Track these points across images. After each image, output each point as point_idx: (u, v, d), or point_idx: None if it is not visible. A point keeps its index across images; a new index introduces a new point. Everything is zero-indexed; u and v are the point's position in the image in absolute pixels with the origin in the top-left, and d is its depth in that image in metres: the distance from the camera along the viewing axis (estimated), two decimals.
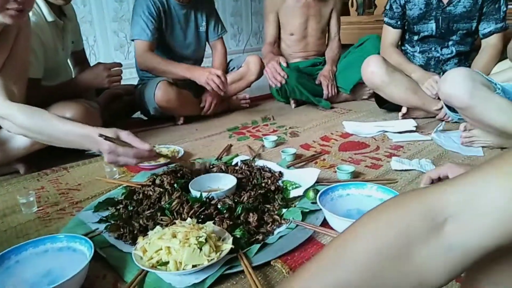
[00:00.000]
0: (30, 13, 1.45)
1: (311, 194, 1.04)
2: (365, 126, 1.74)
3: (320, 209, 0.96)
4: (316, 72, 2.32)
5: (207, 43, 2.24)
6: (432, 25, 1.79)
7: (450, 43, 1.82)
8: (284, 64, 2.12)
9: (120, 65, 1.67)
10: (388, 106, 1.93)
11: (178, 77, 1.95)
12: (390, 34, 1.93)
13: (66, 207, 1.13)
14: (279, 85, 2.11)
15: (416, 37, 1.88)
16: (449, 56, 1.84)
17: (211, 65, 2.24)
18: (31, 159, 1.43)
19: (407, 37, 1.94)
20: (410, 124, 1.69)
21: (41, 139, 1.16)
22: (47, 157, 1.49)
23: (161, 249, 0.77)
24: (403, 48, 1.97)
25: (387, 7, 1.92)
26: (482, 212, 0.36)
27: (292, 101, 2.27)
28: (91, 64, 2.08)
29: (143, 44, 1.93)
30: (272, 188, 1.11)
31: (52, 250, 0.83)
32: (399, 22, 1.89)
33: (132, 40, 1.98)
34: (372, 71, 1.77)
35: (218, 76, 1.85)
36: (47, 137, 1.13)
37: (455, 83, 1.28)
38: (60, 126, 1.07)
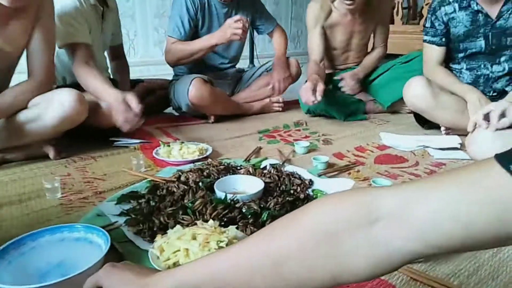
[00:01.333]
0: None
1: None
2: (404, 139, 1.63)
3: None
4: None
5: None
6: (480, 43, 1.63)
7: (502, 59, 1.65)
8: (319, 98, 1.80)
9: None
10: (431, 125, 1.80)
11: (206, 50, 1.91)
12: (435, 53, 1.75)
13: (89, 196, 1.11)
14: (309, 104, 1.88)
15: (461, 55, 1.72)
16: (500, 74, 1.68)
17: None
18: (61, 144, 1.43)
19: (449, 55, 1.77)
20: (455, 141, 1.57)
21: None
22: (76, 144, 1.49)
23: (179, 250, 0.73)
24: (446, 67, 1.82)
25: (427, 25, 1.74)
26: (411, 221, 0.38)
27: None
28: (128, 59, 2.10)
29: (173, 41, 1.94)
30: (301, 196, 1.04)
31: (68, 239, 0.81)
32: (443, 39, 1.71)
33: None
34: (416, 94, 1.64)
35: (236, 21, 1.79)
36: None
37: (482, 147, 1.24)
38: None
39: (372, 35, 2.26)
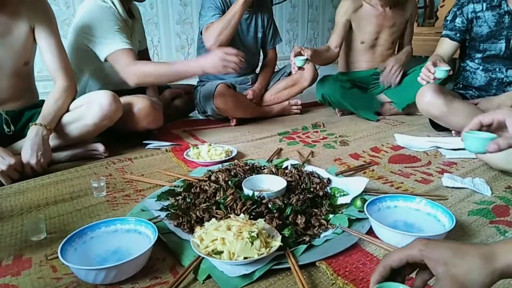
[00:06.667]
0: (107, 6, 1.66)
1: (358, 202, 1.07)
2: (417, 140, 1.72)
3: (366, 218, 0.99)
4: (373, 82, 2.31)
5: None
6: (501, 45, 1.69)
7: None
8: (305, 55, 1.84)
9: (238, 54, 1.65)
10: (443, 128, 1.86)
11: (240, 11, 1.88)
12: (445, 46, 1.82)
13: (131, 193, 1.25)
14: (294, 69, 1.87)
15: (479, 55, 1.78)
16: None
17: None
18: (107, 143, 1.62)
19: (467, 52, 1.85)
20: None
21: None
22: (113, 147, 1.64)
23: (216, 239, 0.85)
24: (462, 64, 1.89)
25: (448, 17, 1.82)
26: None
27: (337, 110, 2.30)
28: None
29: (207, 25, 1.93)
30: (321, 193, 1.15)
31: (121, 230, 0.94)
32: (458, 35, 1.80)
33: (201, 33, 2.00)
34: (429, 102, 1.65)
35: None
36: None
37: None
38: None
39: (399, 36, 2.31)
